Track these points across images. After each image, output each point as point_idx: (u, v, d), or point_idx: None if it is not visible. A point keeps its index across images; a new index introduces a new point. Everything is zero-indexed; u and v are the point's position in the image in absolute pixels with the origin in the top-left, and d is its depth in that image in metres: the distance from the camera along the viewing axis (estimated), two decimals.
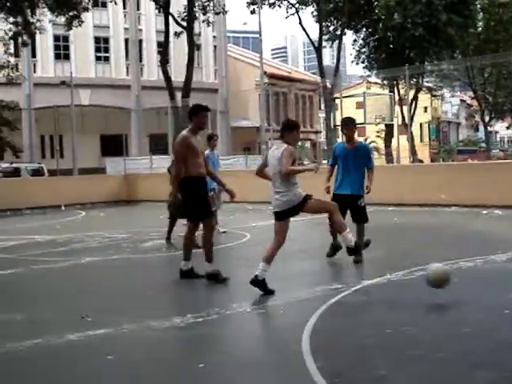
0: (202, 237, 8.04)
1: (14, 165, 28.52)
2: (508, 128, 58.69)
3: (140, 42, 44.02)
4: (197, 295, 7.46)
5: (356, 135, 9.52)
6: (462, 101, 70.48)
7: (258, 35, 34.01)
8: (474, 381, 4.21)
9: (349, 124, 9.23)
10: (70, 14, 26.54)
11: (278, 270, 8.66)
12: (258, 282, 6.87)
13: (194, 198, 7.76)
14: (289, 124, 7.33)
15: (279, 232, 7.08)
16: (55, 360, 5.05)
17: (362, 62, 37.28)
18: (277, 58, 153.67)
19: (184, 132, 7.89)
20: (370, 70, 37.97)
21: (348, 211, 8.93)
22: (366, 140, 63.41)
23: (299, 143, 52.57)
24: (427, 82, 43.08)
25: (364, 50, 36.92)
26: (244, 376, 4.57)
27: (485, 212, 14.89)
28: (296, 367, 4.62)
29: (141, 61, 44.14)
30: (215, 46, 47.50)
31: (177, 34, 32.31)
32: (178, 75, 36.14)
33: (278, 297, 6.81)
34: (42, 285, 8.43)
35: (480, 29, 38.14)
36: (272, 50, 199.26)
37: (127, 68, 43.55)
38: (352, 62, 38.28)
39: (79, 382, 4.56)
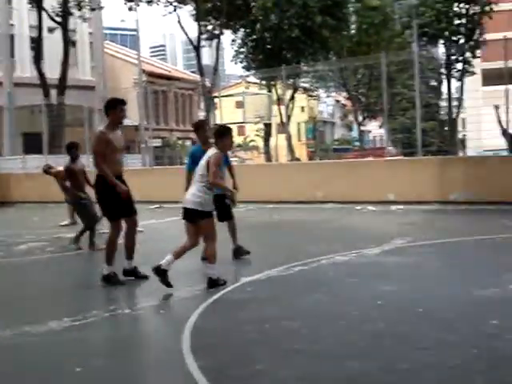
0: (108, 237, 7.70)
1: None
2: (380, 127, 61.21)
3: (12, 37, 42.26)
4: (74, 298, 7.26)
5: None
6: (337, 101, 72.74)
7: (135, 32, 33.55)
8: (348, 371, 4.36)
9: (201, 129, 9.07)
10: None
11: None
12: (159, 271, 6.89)
13: (109, 197, 7.42)
14: (220, 130, 7.32)
15: (192, 234, 7.10)
16: None
17: (241, 62, 37.67)
18: (155, 56, 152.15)
19: (101, 128, 7.61)
20: (248, 70, 38.41)
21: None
22: (245, 139, 64.22)
23: (179, 142, 52.41)
24: (303, 82, 44.12)
25: (242, 49, 37.31)
26: (123, 377, 4.51)
27: (358, 208, 15.46)
28: (177, 366, 4.61)
29: (13, 56, 42.39)
30: (91, 43, 46.42)
31: (51, 30, 31.32)
32: (52, 72, 34.99)
33: (158, 296, 6.77)
34: None
35: (353, 31, 39.55)
36: (151, 48, 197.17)
37: None
38: (231, 61, 38.60)
39: None
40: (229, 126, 7.90)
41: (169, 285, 6.89)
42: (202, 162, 7.10)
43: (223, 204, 8.88)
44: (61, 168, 13.60)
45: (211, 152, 7.10)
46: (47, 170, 14.18)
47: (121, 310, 6.29)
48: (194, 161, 8.93)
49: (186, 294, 6.85)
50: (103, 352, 5.25)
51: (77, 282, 8.28)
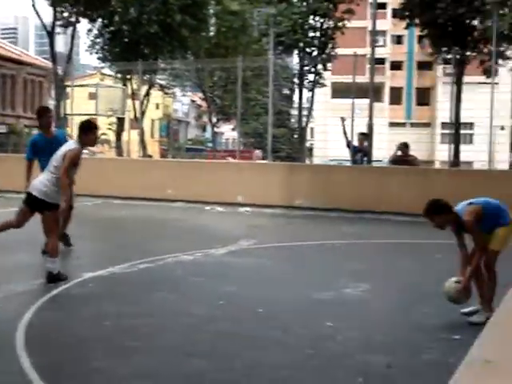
0: None
1: None
2: (233, 130, 62.11)
3: None
4: None
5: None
6: (193, 101, 72.89)
7: None
8: (185, 369, 4.39)
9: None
10: None
11: None
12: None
13: None
14: (85, 125, 7.06)
15: (23, 216, 6.97)
16: None
17: (96, 53, 36.68)
18: (6, 38, 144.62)
19: None
20: (103, 62, 37.50)
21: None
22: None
23: (26, 129, 50.13)
24: (160, 79, 43.77)
25: (99, 40, 36.36)
26: None
27: (208, 208, 15.58)
28: (9, 363, 4.41)
29: None
30: None
31: None
32: None
33: None
34: None
35: (212, 33, 39.79)
36: (1, 29, 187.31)
37: None
38: (86, 51, 37.50)
39: None
40: (93, 120, 7.67)
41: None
42: (59, 153, 6.84)
43: None
44: None
45: (72, 145, 6.86)
46: None
47: None
48: (35, 150, 8.60)
49: (23, 287, 6.57)
50: None
51: None
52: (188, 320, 5.61)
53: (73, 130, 24.66)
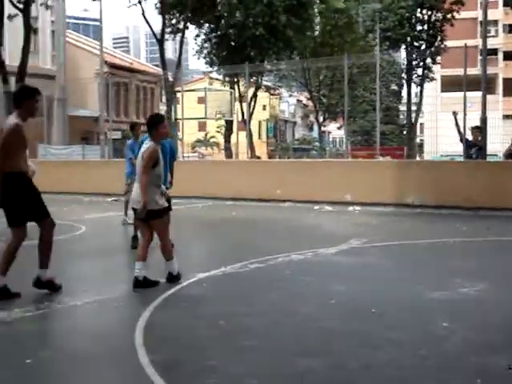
0: (7, 245, 6.52)
1: None
2: (339, 128, 61.71)
3: None
4: (26, 289, 7.13)
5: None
6: (299, 101, 73.03)
7: (98, 23, 33.14)
8: (298, 368, 4.40)
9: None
10: None
11: (110, 264, 8.54)
12: (140, 283, 6.72)
13: (21, 198, 6.35)
14: (152, 119, 7.04)
15: (145, 231, 7.03)
16: None
17: (204, 58, 37.49)
18: (118, 47, 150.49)
19: (15, 119, 6.40)
20: (211, 66, 38.27)
21: None
22: (206, 135, 64.00)
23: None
24: (266, 80, 44.20)
25: (206, 45, 37.15)
26: (74, 370, 4.46)
27: (316, 207, 15.56)
28: (129, 361, 4.58)
29: None
30: (53, 31, 45.69)
31: (10, 17, 30.71)
32: (12, 59, 34.26)
33: (111, 290, 6.70)
34: None
35: (317, 32, 39.72)
36: (113, 39, 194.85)
37: None
38: (194, 55, 38.39)
39: None
40: (161, 114, 7.71)
41: (156, 283, 6.87)
42: (138, 159, 6.91)
43: None
44: None
45: (146, 145, 6.87)
46: None
47: (73, 303, 6.21)
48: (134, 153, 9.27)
49: (141, 288, 6.80)
50: (54, 344, 5.19)
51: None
52: (299, 319, 5.62)
53: (184, 133, 25.34)
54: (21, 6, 29.03)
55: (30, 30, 30.69)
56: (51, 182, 15.92)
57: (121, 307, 6.21)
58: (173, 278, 6.98)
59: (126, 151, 11.52)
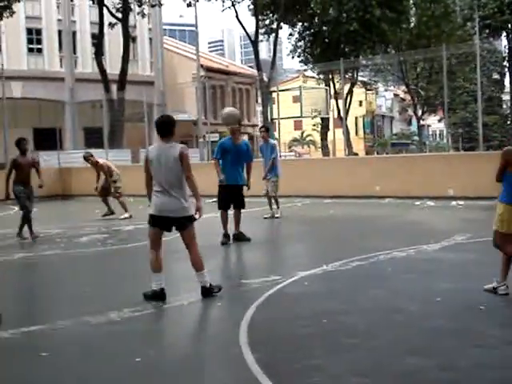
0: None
1: None
2: (439, 121, 60.16)
3: (74, 33, 43.13)
4: (134, 289, 7.37)
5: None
6: (396, 95, 71.76)
7: (194, 28, 33.81)
8: (406, 367, 4.32)
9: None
10: (1, 4, 25.84)
11: (214, 263, 8.68)
12: (206, 291, 6.46)
13: None
14: (165, 121, 6.53)
15: (189, 240, 6.55)
16: None
17: (298, 56, 37.54)
18: (214, 51, 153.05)
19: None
20: (305, 64, 38.27)
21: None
22: (302, 134, 64.02)
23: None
24: (362, 76, 43.70)
25: (300, 43, 37.17)
26: (181, 368, 4.57)
27: (418, 203, 15.25)
28: (233, 359, 4.64)
29: (75, 53, 43.25)
30: (151, 39, 47.00)
31: (111, 26, 31.84)
32: (113, 67, 35.55)
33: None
34: None
35: (412, 24, 38.88)
36: (209, 43, 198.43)
37: (61, 60, 42.61)
38: (288, 55, 38.51)
39: (14, 383, 4.45)
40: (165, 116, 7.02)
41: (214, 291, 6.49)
42: (171, 162, 6.37)
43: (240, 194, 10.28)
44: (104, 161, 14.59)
45: (178, 147, 6.43)
46: (87, 157, 14.80)
47: (179, 303, 6.36)
48: (222, 151, 10.38)
49: (244, 286, 6.88)
50: (161, 343, 5.33)
51: (134, 273, 8.40)
52: (403, 317, 5.52)
53: (280, 133, 25.44)
54: (119, 15, 30.04)
55: (128, 38, 31.74)
56: None
57: (224, 306, 6.30)
58: (206, 291, 6.46)
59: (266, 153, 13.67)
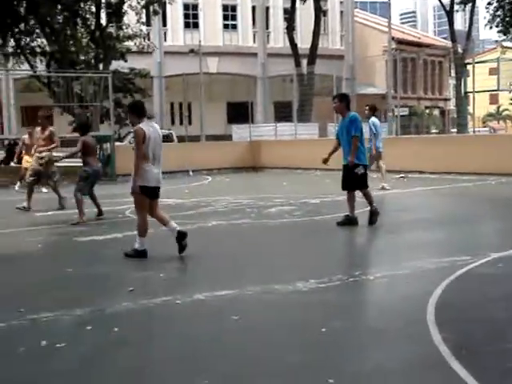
0: None
1: None
2: None
3: (267, 9, 44.13)
4: (320, 261, 7.48)
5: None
6: None
7: (386, 0, 33.16)
8: None
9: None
10: None
11: (401, 240, 8.55)
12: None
13: None
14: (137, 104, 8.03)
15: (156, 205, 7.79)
16: (181, 317, 5.27)
17: (497, 26, 35.47)
18: (405, 23, 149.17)
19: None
20: (505, 35, 36.07)
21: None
22: (498, 108, 60.70)
23: (427, 111, 51.14)
24: None
25: (499, 13, 35.09)
26: (366, 341, 4.57)
27: None
28: (420, 336, 4.56)
29: (267, 28, 44.29)
30: (342, 12, 46.82)
31: (303, 0, 32.14)
32: (303, 42, 35.99)
33: (403, 267, 6.71)
34: (171, 246, 8.64)
35: None
36: (400, 14, 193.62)
37: (254, 35, 43.87)
38: (485, 25, 36.52)
39: (205, 340, 4.71)
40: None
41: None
42: (159, 140, 7.70)
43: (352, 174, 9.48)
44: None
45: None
46: None
47: (365, 277, 6.36)
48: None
49: (433, 265, 6.71)
50: (346, 316, 5.34)
51: (321, 245, 8.52)
52: None
53: (474, 107, 24.32)
54: None
55: (319, 12, 31.88)
56: None
57: (412, 284, 6.20)
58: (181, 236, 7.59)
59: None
